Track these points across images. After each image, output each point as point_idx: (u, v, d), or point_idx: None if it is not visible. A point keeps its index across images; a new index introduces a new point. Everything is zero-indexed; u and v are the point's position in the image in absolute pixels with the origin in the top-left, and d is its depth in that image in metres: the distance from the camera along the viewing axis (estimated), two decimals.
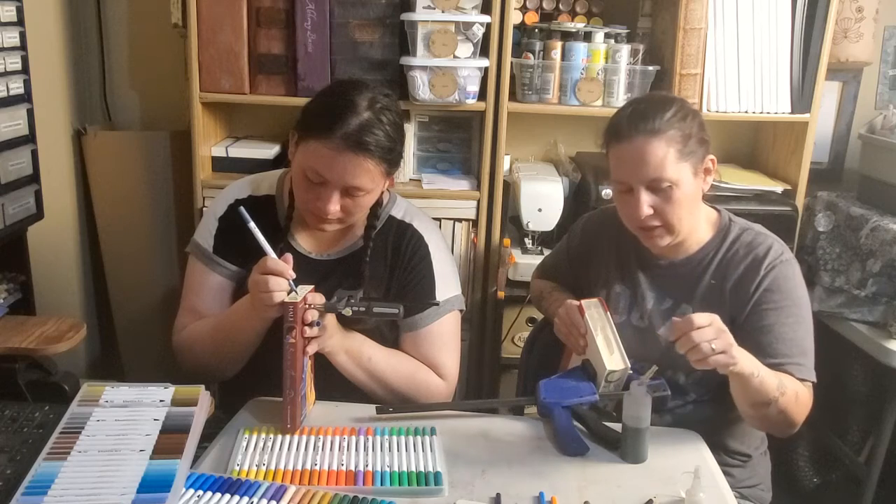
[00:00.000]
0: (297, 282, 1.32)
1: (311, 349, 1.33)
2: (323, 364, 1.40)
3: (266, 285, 1.29)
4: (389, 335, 1.53)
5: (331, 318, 1.36)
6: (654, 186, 1.41)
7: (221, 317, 1.47)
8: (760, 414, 1.37)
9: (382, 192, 1.51)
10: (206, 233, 1.54)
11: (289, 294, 1.29)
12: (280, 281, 1.29)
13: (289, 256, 1.32)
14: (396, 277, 1.53)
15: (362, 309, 1.32)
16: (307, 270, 1.44)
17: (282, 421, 1.31)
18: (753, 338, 1.42)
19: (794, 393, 1.36)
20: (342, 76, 2.14)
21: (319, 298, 1.32)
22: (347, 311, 1.32)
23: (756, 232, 1.51)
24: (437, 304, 1.51)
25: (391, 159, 1.41)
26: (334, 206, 1.39)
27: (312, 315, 1.30)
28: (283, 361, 1.28)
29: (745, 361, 1.29)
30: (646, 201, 1.41)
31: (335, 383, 1.43)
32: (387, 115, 1.39)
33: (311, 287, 1.33)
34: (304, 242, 1.54)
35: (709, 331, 1.22)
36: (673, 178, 1.39)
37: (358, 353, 1.43)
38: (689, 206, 1.44)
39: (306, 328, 1.29)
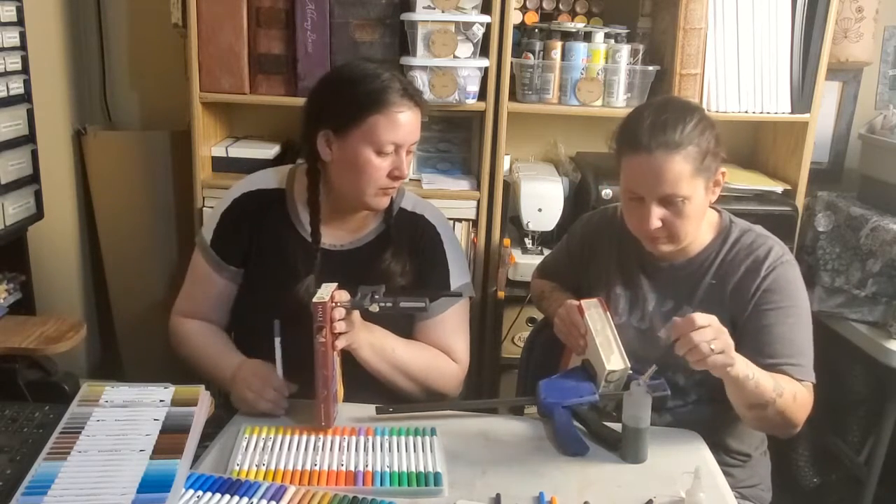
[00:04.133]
0: (319, 277, 1.35)
1: (340, 344, 1.33)
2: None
3: (255, 389, 1.38)
4: (405, 324, 1.55)
5: (356, 315, 1.37)
6: (666, 201, 1.40)
7: (211, 351, 1.55)
8: (758, 416, 1.37)
9: None
10: (208, 226, 1.59)
11: (314, 294, 1.30)
12: (267, 397, 1.38)
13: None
14: (411, 268, 1.55)
15: (388, 304, 1.33)
16: (322, 260, 1.48)
17: (315, 419, 1.31)
18: (752, 338, 1.42)
19: (791, 394, 1.36)
20: None
21: (345, 296, 1.33)
22: (374, 308, 1.32)
23: (756, 233, 1.51)
24: (460, 295, 1.56)
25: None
26: (407, 170, 1.49)
27: (339, 314, 1.31)
28: (315, 361, 1.28)
29: (741, 364, 1.29)
30: (656, 214, 1.40)
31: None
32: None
33: (335, 284, 1.33)
34: (323, 233, 1.55)
35: (708, 331, 1.21)
36: (687, 193, 1.38)
37: (381, 346, 1.45)
38: (698, 218, 1.44)
39: (336, 324, 1.30)
